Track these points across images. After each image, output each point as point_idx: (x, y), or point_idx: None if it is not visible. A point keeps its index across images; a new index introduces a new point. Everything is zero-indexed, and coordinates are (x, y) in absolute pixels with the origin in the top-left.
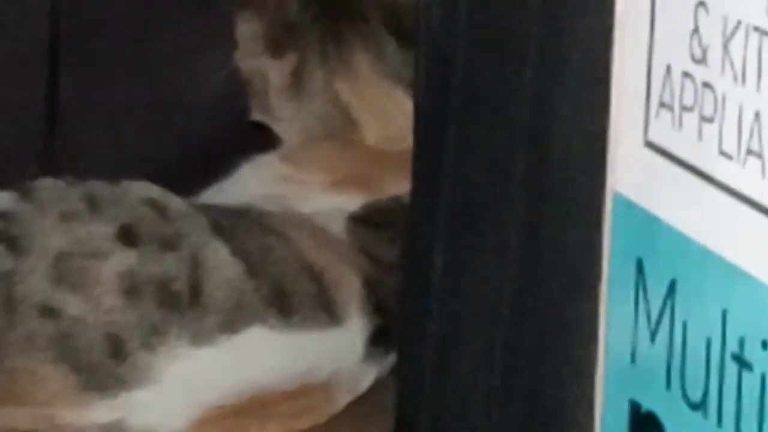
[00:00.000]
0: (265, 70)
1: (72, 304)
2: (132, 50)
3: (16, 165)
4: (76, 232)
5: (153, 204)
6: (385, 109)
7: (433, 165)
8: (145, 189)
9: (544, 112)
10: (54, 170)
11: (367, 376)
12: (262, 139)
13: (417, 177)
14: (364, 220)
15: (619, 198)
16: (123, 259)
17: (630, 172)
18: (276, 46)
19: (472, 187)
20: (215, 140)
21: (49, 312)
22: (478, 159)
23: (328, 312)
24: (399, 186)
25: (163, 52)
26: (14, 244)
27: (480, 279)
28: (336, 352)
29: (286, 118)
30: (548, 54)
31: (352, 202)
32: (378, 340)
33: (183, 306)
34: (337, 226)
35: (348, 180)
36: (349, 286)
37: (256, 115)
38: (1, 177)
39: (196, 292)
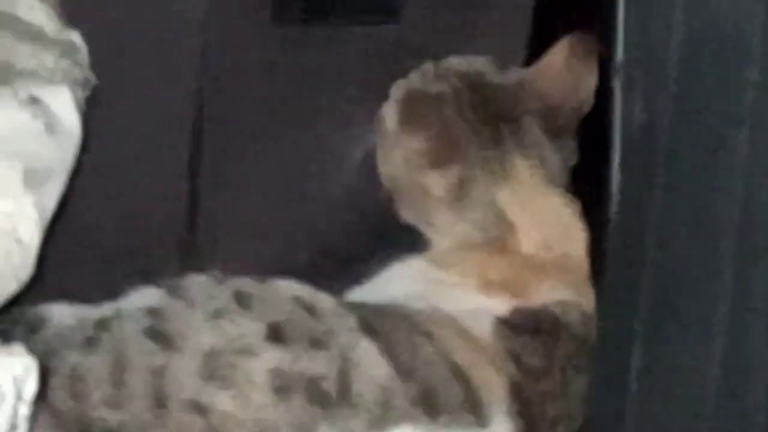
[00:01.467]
0: (426, 181)
1: (222, 401)
2: (274, 143)
3: (158, 257)
4: (227, 330)
5: (301, 302)
6: (543, 215)
7: (633, 261)
8: (293, 287)
9: (757, 184)
10: (195, 263)
11: None
12: (406, 239)
13: (615, 269)
14: (512, 324)
15: None
16: (273, 356)
17: None
18: (439, 160)
19: (675, 285)
20: (357, 236)
21: (198, 408)
22: (683, 255)
23: (474, 413)
24: (549, 293)
25: (304, 143)
26: (165, 341)
27: (682, 376)
28: None
29: (443, 224)
30: (763, 154)
31: (501, 306)
32: None
33: (332, 404)
34: (484, 328)
35: (499, 284)
36: (495, 389)
37: (407, 219)
38: (144, 269)
39: (345, 391)
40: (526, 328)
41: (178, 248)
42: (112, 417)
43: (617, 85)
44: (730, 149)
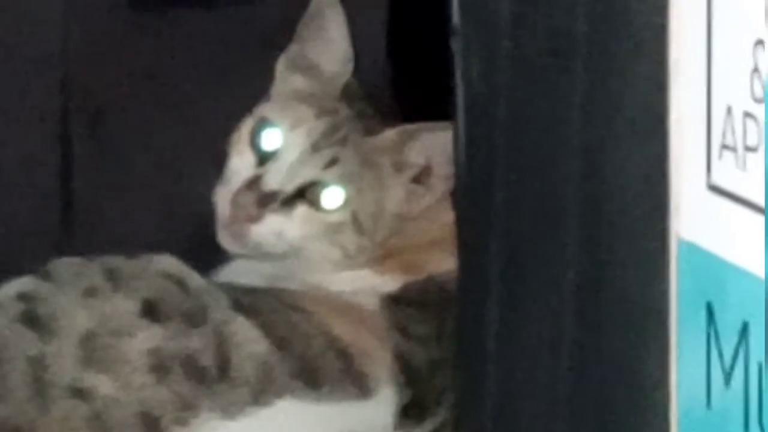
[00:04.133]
0: None
1: (103, 384)
2: (144, 130)
3: (33, 255)
4: (100, 309)
5: (173, 278)
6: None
7: (482, 226)
8: (162, 262)
9: (595, 163)
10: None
11: None
12: None
13: (464, 241)
14: (398, 298)
15: (684, 243)
16: (149, 335)
17: (694, 217)
18: None
19: (523, 246)
20: None
21: (80, 393)
22: (528, 216)
23: (356, 384)
24: (438, 264)
25: (174, 132)
26: (40, 325)
27: (537, 337)
28: (366, 423)
29: None
30: (597, 102)
31: (393, 283)
32: (409, 412)
33: (211, 380)
34: (371, 303)
35: (391, 266)
36: (378, 359)
37: None
38: (19, 267)
39: (223, 366)
40: (413, 300)
41: (54, 248)
42: None
43: (456, 48)
44: (565, 101)
